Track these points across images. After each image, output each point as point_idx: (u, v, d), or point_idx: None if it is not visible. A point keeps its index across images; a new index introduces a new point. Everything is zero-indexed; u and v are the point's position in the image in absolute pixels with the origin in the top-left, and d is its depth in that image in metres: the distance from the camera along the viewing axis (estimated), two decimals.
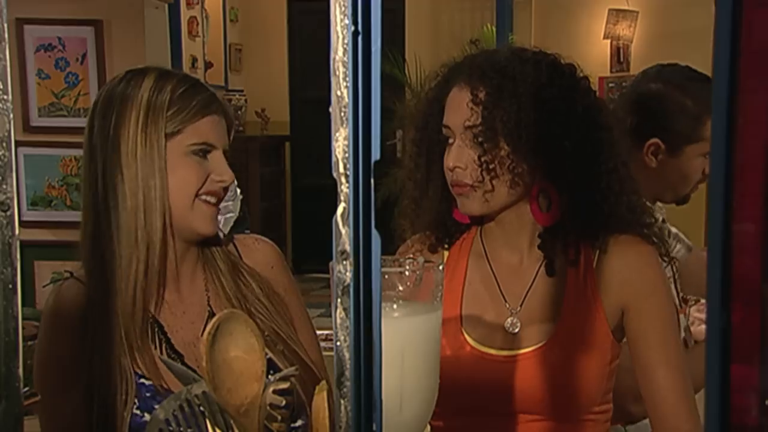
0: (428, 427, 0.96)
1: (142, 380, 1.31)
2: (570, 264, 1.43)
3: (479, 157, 1.36)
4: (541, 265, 1.44)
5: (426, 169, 1.47)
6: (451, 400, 1.39)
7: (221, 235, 1.46)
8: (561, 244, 1.43)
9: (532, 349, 1.40)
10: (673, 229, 2.10)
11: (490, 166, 1.36)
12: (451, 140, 1.40)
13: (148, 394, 1.30)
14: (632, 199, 1.43)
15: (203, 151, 1.35)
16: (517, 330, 1.42)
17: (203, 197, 1.36)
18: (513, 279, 1.46)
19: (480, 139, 1.36)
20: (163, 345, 1.37)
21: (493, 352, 1.41)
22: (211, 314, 1.40)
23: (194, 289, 1.42)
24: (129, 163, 1.32)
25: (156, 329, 1.37)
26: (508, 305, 1.44)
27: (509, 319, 1.43)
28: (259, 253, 1.51)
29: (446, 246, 1.51)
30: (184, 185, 1.34)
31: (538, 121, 1.36)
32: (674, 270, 1.93)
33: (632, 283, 1.41)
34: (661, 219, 1.95)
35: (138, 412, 1.29)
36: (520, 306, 1.44)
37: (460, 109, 1.38)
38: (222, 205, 1.42)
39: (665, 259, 1.47)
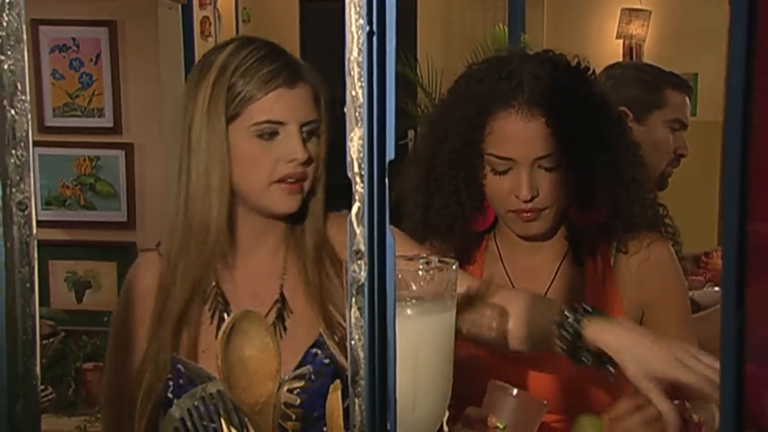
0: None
1: (179, 366, 1.30)
2: (588, 257, 1.44)
3: (553, 183, 1.35)
4: (561, 263, 1.45)
5: (461, 188, 1.42)
6: (475, 402, 1.41)
7: (317, 210, 1.37)
8: (584, 238, 1.44)
9: None
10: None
11: (564, 188, 1.37)
12: (505, 168, 1.36)
13: (181, 381, 1.29)
14: (650, 196, 1.45)
15: (269, 130, 1.27)
16: None
17: (277, 183, 1.29)
18: (530, 280, 1.46)
19: (549, 164, 1.35)
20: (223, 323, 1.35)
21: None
22: (281, 299, 1.35)
23: (271, 270, 1.37)
24: (196, 150, 1.28)
25: (220, 308, 1.35)
26: None
27: None
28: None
29: (464, 255, 1.49)
30: (251, 173, 1.28)
31: (596, 132, 1.38)
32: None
33: (652, 282, 1.43)
34: None
35: (170, 396, 1.28)
36: None
37: (531, 142, 1.33)
38: None
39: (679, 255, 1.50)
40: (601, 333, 1.12)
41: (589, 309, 1.15)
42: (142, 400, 1.28)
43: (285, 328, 1.34)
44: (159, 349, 1.29)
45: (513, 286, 1.46)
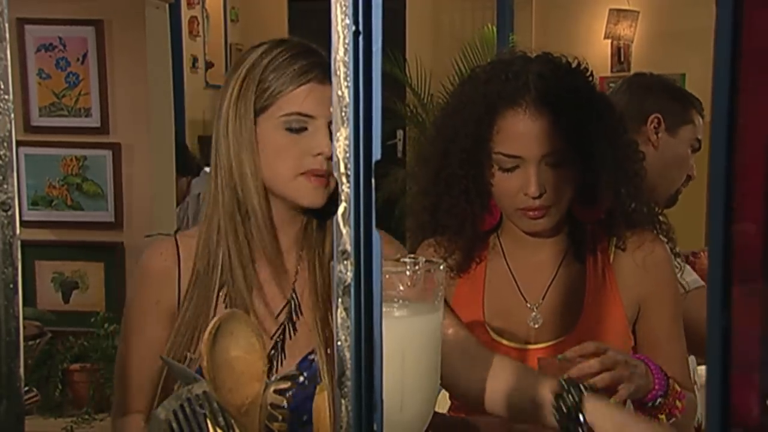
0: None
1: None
2: (590, 254, 1.47)
3: (560, 180, 1.38)
4: (563, 259, 1.48)
5: (470, 187, 1.45)
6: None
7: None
8: (585, 235, 1.46)
9: (556, 341, 1.44)
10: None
11: (569, 185, 1.40)
12: (512, 166, 1.39)
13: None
14: (644, 192, 1.48)
15: (298, 124, 1.28)
16: (539, 324, 1.45)
17: (303, 176, 1.29)
18: (532, 275, 1.49)
19: (555, 161, 1.38)
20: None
21: (521, 347, 1.44)
22: (293, 300, 1.35)
23: (285, 268, 1.36)
24: (224, 138, 1.31)
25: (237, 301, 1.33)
26: (528, 303, 1.47)
27: (532, 314, 1.46)
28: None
29: (470, 254, 1.52)
30: (277, 163, 1.29)
31: (598, 131, 1.41)
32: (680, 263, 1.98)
33: (650, 280, 1.46)
34: None
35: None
36: (542, 300, 1.47)
37: (538, 139, 1.37)
38: None
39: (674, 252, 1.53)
40: (598, 414, 1.10)
41: (587, 386, 1.14)
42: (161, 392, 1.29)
43: (295, 329, 1.34)
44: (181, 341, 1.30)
45: (516, 283, 1.49)
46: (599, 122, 1.41)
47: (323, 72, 1.29)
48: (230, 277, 1.31)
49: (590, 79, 1.47)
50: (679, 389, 1.35)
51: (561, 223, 1.46)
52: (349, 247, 0.47)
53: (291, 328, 1.34)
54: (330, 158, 1.28)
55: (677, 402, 1.34)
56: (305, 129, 1.29)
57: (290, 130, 1.28)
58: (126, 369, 1.37)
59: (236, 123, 1.29)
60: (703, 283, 1.98)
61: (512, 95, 1.38)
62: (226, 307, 1.31)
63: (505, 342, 1.44)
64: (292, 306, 1.35)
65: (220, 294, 1.31)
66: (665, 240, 1.53)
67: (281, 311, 1.35)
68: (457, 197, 1.46)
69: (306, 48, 1.33)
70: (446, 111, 1.55)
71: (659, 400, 1.32)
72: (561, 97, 1.38)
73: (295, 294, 1.35)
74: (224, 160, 1.31)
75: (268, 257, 1.33)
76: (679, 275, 1.83)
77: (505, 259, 1.51)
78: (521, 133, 1.37)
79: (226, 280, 1.31)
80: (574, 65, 1.46)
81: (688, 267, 2.04)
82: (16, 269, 0.50)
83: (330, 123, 1.27)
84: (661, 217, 1.57)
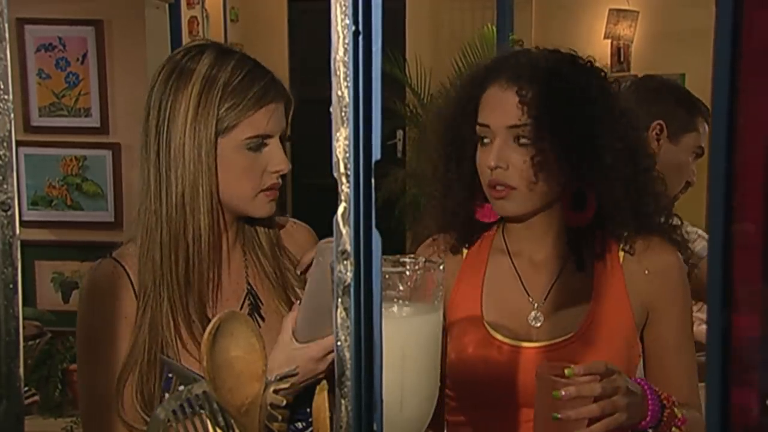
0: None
1: (168, 366, 1.31)
2: (597, 259, 1.45)
3: (523, 158, 1.36)
4: (567, 261, 1.46)
5: (455, 169, 1.46)
6: (476, 394, 1.41)
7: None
8: (589, 240, 1.45)
9: (558, 341, 1.41)
10: (695, 228, 2.18)
11: (533, 168, 1.36)
12: (486, 139, 1.39)
13: (170, 375, 1.29)
14: (661, 200, 1.45)
15: (258, 142, 1.33)
16: (540, 323, 1.43)
17: (263, 192, 1.36)
18: (536, 274, 1.47)
19: (523, 140, 1.36)
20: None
21: (517, 344, 1.43)
22: (251, 292, 1.41)
23: (232, 266, 1.42)
24: (179, 160, 1.30)
25: (199, 307, 1.37)
26: (531, 299, 1.46)
27: (532, 313, 1.45)
28: (296, 235, 1.51)
29: (467, 246, 1.53)
30: (241, 183, 1.33)
31: (580, 121, 1.37)
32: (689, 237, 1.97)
33: (659, 286, 1.43)
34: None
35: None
36: (545, 299, 1.45)
37: (504, 109, 1.37)
38: None
39: (687, 263, 1.50)
40: None
41: None
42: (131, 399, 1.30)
43: (262, 318, 1.40)
44: (147, 351, 1.31)
45: (521, 280, 1.47)
46: (574, 101, 1.37)
47: (276, 90, 1.34)
48: (180, 293, 1.33)
49: (587, 67, 1.44)
50: (680, 415, 1.30)
51: (534, 211, 1.42)
52: (348, 247, 0.47)
53: (258, 317, 1.40)
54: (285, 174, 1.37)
55: (674, 429, 1.30)
56: (264, 146, 1.34)
57: (251, 149, 1.33)
58: (108, 391, 1.33)
59: (194, 145, 1.29)
60: None
61: (498, 69, 1.41)
62: (186, 317, 1.34)
63: (499, 337, 1.42)
64: (252, 298, 1.41)
65: (172, 305, 1.33)
66: (683, 246, 1.49)
67: (242, 305, 1.40)
68: (437, 160, 1.49)
69: (255, 64, 1.35)
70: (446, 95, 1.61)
71: (649, 430, 1.29)
72: (538, 74, 1.37)
73: (251, 286, 1.42)
74: (178, 180, 1.30)
75: (216, 266, 1.37)
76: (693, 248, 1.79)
77: (510, 256, 1.50)
78: (491, 103, 1.39)
79: (175, 295, 1.33)
80: (581, 61, 1.45)
81: (699, 239, 2.06)
82: (16, 269, 0.50)
83: (281, 135, 1.36)
84: (676, 228, 1.53)
